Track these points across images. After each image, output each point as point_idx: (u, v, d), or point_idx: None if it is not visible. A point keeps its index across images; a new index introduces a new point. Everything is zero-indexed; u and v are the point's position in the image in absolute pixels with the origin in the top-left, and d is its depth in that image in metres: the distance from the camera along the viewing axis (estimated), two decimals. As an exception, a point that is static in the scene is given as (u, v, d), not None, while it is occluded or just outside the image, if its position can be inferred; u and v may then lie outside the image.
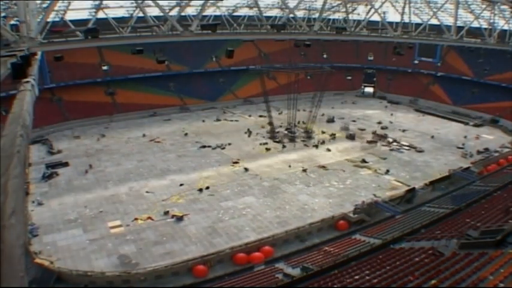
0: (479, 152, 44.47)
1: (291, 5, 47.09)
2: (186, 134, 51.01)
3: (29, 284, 18.67)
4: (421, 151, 45.02)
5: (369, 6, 51.98)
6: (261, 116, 57.79)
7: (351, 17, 50.05)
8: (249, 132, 51.42)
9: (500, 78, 62.29)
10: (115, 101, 60.30)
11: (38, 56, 18.25)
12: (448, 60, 72.19)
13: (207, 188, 34.57)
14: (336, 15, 62.93)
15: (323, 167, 39.79)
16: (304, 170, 38.75)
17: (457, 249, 18.70)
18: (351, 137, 49.48)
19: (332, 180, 36.87)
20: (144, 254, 25.02)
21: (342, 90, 75.26)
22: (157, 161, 41.45)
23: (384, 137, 48.81)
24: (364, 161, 41.49)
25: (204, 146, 46.22)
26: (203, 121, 56.77)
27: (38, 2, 28.10)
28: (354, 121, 58.02)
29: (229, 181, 36.32)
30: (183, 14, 42.09)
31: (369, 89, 78.07)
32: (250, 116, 60.50)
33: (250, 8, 58.64)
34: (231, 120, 58.13)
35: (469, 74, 68.13)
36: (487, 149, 45.59)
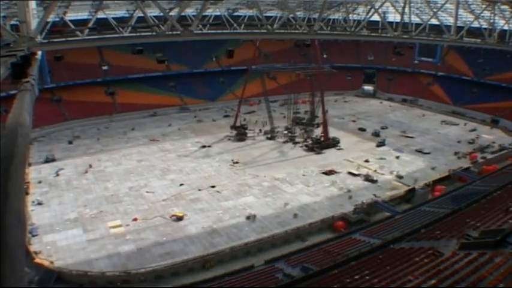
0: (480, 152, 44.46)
1: (291, 5, 46.98)
2: (185, 134, 51.02)
3: (28, 284, 18.67)
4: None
5: (368, 6, 51.95)
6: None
7: (351, 17, 50.01)
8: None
9: (500, 78, 62.32)
10: (115, 101, 60.31)
11: (38, 56, 18.21)
12: (448, 60, 72.21)
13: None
14: (336, 15, 62.87)
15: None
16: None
17: (456, 249, 18.68)
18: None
19: (332, 180, 36.84)
20: (144, 254, 25.05)
21: (342, 90, 75.26)
22: (157, 161, 41.46)
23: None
24: (366, 161, 41.48)
25: (204, 146, 46.23)
26: (200, 120, 56.58)
27: (38, 2, 28.04)
28: (353, 121, 58.03)
29: (229, 181, 36.35)
30: (183, 14, 42.01)
31: (369, 87, 78.03)
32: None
33: (250, 8, 58.54)
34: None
35: (469, 74, 68.14)
36: (485, 148, 45.60)
